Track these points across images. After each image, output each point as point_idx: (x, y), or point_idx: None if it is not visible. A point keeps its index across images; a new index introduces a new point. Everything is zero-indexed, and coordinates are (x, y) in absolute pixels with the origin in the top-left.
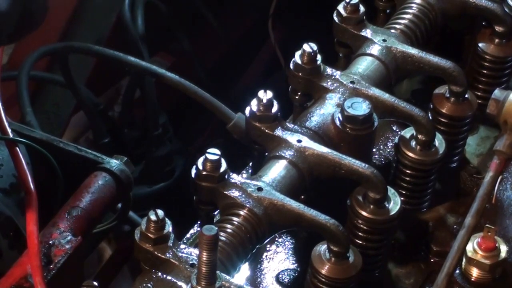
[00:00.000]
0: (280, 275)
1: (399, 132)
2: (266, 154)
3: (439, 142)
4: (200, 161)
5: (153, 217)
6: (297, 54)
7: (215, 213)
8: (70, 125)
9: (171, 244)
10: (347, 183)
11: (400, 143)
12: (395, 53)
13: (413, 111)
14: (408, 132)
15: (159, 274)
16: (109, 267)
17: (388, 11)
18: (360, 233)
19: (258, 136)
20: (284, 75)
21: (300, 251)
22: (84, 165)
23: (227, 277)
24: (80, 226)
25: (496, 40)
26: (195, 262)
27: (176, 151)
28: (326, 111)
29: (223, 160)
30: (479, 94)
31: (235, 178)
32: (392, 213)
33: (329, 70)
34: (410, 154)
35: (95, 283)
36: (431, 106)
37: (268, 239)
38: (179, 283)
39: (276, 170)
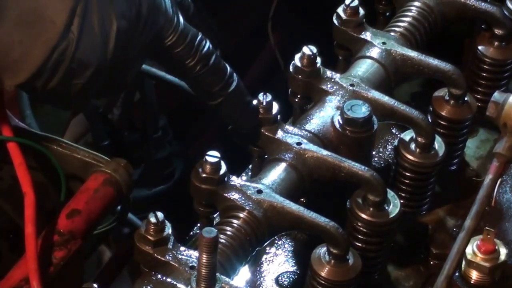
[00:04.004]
0: (280, 278)
1: (398, 135)
2: (266, 156)
3: (439, 144)
4: (200, 163)
5: (152, 220)
6: (297, 56)
7: (215, 215)
8: (69, 128)
9: (170, 247)
10: (347, 185)
11: (399, 146)
12: (395, 55)
13: (412, 113)
14: (407, 135)
15: (159, 276)
16: (108, 270)
17: (387, 14)
18: (359, 236)
19: (258, 139)
20: (283, 78)
21: (299, 253)
22: (84, 167)
23: (227, 279)
24: (80, 228)
25: (496, 43)
26: (195, 264)
27: (176, 153)
28: (325, 113)
29: (223, 163)
30: (478, 97)
31: (235, 180)
32: (391, 215)
33: (328, 73)
34: (410, 157)
35: (95, 285)
36: (431, 109)
37: (267, 242)
38: (179, 285)
39: (276, 172)
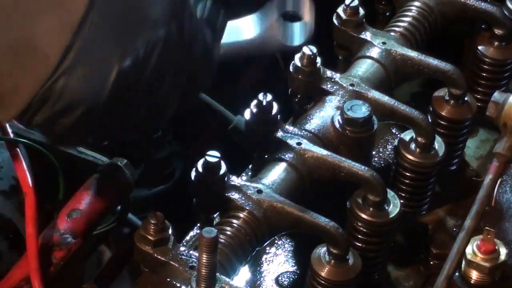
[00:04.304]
0: (280, 278)
1: (398, 135)
2: (266, 156)
3: (439, 144)
4: (200, 163)
5: (152, 220)
6: (297, 56)
7: (215, 215)
8: None
9: (170, 247)
10: (347, 185)
11: (399, 146)
12: (395, 55)
13: (412, 113)
14: (407, 135)
15: (159, 276)
16: (108, 270)
17: (387, 14)
18: (359, 236)
19: (258, 139)
20: (283, 78)
21: (299, 253)
22: (84, 167)
23: (227, 279)
24: (80, 228)
25: (496, 43)
26: (195, 264)
27: (176, 153)
28: (325, 113)
29: (222, 163)
30: (478, 97)
31: (235, 180)
32: (391, 215)
33: (328, 73)
34: (410, 157)
35: (95, 285)
36: (431, 109)
37: (267, 242)
38: (179, 285)
39: (276, 172)
